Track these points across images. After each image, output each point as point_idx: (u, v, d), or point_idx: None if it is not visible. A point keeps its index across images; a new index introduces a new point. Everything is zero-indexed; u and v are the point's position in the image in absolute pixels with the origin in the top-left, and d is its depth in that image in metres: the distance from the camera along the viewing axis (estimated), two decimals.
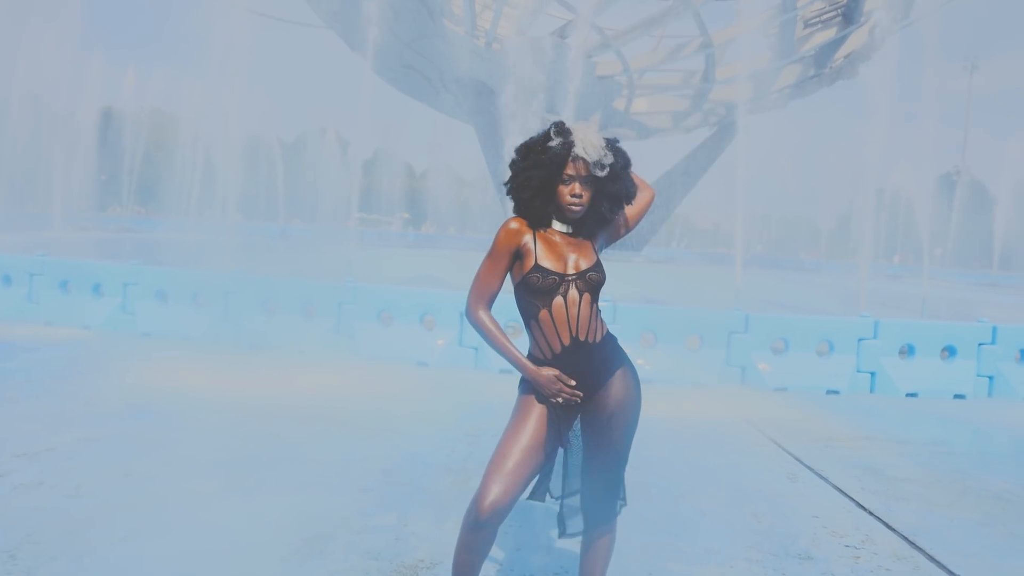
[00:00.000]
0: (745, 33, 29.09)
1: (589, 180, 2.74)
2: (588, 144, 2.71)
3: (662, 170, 32.83)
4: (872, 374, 8.93)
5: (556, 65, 24.11)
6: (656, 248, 39.96)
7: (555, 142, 2.74)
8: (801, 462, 5.65)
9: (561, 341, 2.75)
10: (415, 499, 4.30)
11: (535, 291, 2.74)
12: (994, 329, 9.22)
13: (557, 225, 2.82)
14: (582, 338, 2.75)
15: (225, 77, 19.30)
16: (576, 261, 2.78)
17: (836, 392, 8.75)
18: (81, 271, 10.32)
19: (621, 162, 2.80)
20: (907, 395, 8.81)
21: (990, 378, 9.17)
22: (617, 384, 2.82)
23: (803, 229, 63.14)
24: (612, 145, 2.80)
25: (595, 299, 2.81)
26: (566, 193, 2.74)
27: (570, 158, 2.72)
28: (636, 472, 5.04)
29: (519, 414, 2.80)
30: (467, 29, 26.68)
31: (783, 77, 30.58)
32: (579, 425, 2.87)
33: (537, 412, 2.77)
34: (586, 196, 2.75)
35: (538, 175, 2.74)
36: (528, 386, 2.83)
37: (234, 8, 19.09)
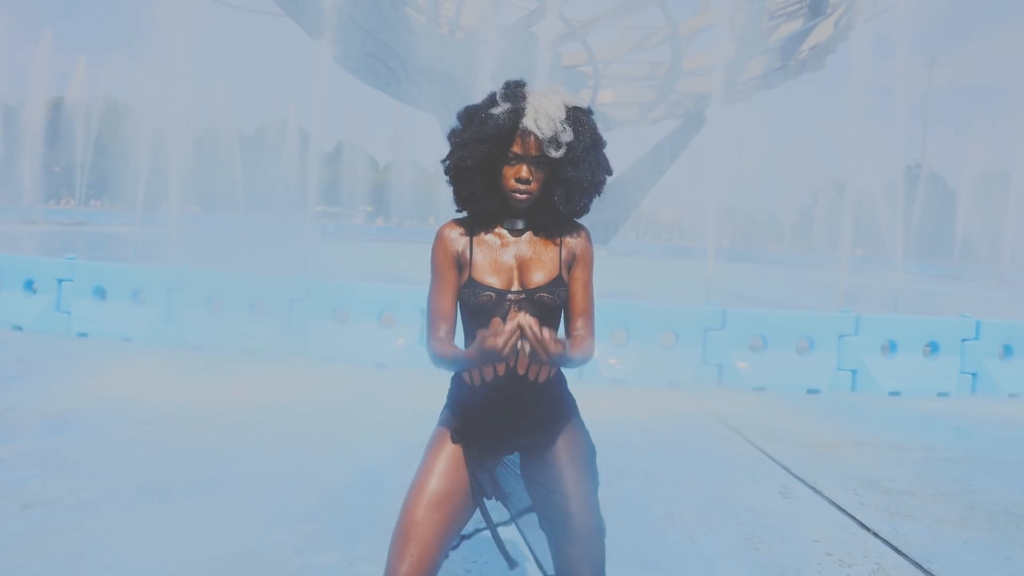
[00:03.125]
0: (712, 23, 28.81)
1: (542, 161, 2.14)
2: (541, 115, 2.11)
3: (628, 162, 32.49)
4: (853, 372, 8.52)
5: (521, 55, 23.58)
6: (621, 241, 39.67)
7: (500, 109, 2.14)
8: (792, 473, 5.18)
9: (495, 369, 2.08)
10: (363, 530, 3.74)
11: (469, 309, 2.19)
12: (977, 324, 8.86)
13: (508, 221, 2.25)
14: (521, 371, 2.07)
15: (181, 67, 18.51)
16: (524, 273, 2.19)
17: (817, 391, 8.33)
18: (11, 266, 9.55)
19: (585, 140, 2.18)
20: (890, 393, 8.43)
21: (973, 375, 8.82)
22: (563, 442, 2.26)
23: (765, 222, 63.37)
24: (577, 117, 2.18)
25: (550, 325, 2.19)
26: (510, 176, 2.15)
27: (518, 132, 2.13)
28: (611, 489, 4.54)
29: (427, 461, 2.22)
30: (430, 17, 26.03)
31: (749, 69, 30.34)
32: (518, 471, 2.31)
33: (449, 457, 2.21)
34: (537, 181, 2.16)
35: (476, 152, 2.15)
36: (444, 422, 2.27)
37: None
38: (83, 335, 8.89)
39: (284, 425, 5.60)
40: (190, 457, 4.68)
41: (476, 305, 2.16)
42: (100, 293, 9.13)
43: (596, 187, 2.23)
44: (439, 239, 2.23)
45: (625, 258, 30.14)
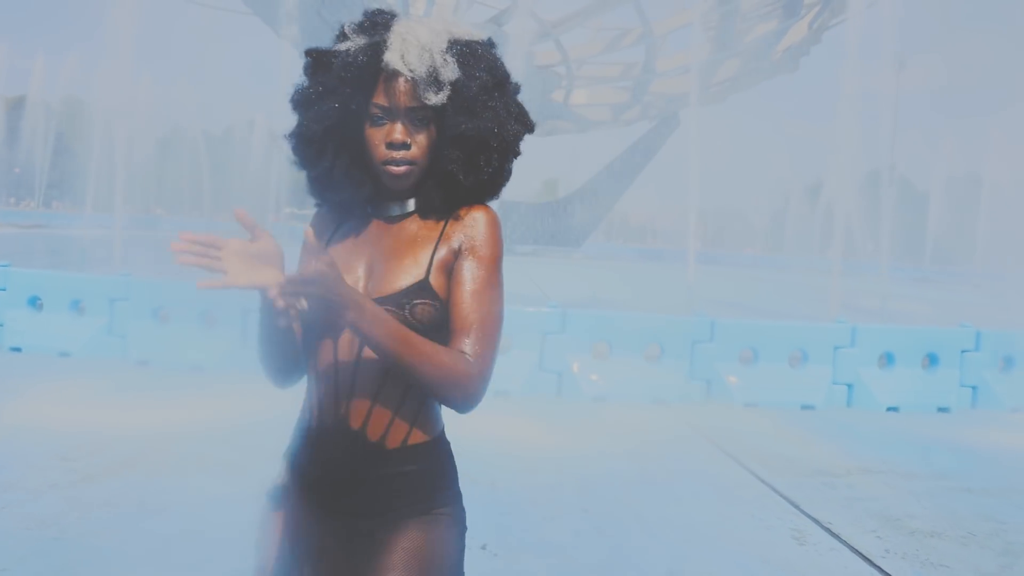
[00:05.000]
0: (686, 24, 28.42)
1: (421, 115, 1.47)
2: (410, 45, 1.43)
3: (601, 164, 32.02)
4: (849, 386, 8.00)
5: None
6: (593, 244, 39.16)
7: (351, 44, 1.48)
8: (801, 511, 4.60)
9: (320, 416, 1.50)
10: None
11: (303, 323, 1.52)
12: (977, 334, 8.38)
13: (383, 205, 1.56)
14: (355, 425, 1.46)
15: (145, 65, 17.79)
16: (377, 277, 1.49)
17: (811, 407, 7.79)
18: None
19: (482, 78, 1.49)
20: (888, 409, 7.91)
21: (973, 388, 8.34)
22: (406, 553, 1.45)
23: (738, 225, 63.33)
24: (469, 49, 1.50)
25: None
26: (378, 142, 1.47)
27: (381, 75, 1.46)
28: (603, 538, 3.94)
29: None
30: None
31: (723, 70, 30.02)
32: None
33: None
34: (419, 145, 1.48)
35: (324, 111, 1.49)
36: (275, 496, 1.59)
37: None
38: (16, 349, 8.12)
39: (229, 458, 4.92)
40: (110, 505, 3.98)
41: (305, 318, 1.39)
42: (35, 304, 8.37)
43: (507, 144, 1.52)
44: (313, 219, 1.62)
45: (599, 261, 29.62)
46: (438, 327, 1.45)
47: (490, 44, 1.56)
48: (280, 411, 6.16)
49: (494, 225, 1.53)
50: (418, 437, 1.50)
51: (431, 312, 1.45)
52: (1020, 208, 40.30)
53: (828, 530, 4.30)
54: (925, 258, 45.57)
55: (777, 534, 4.20)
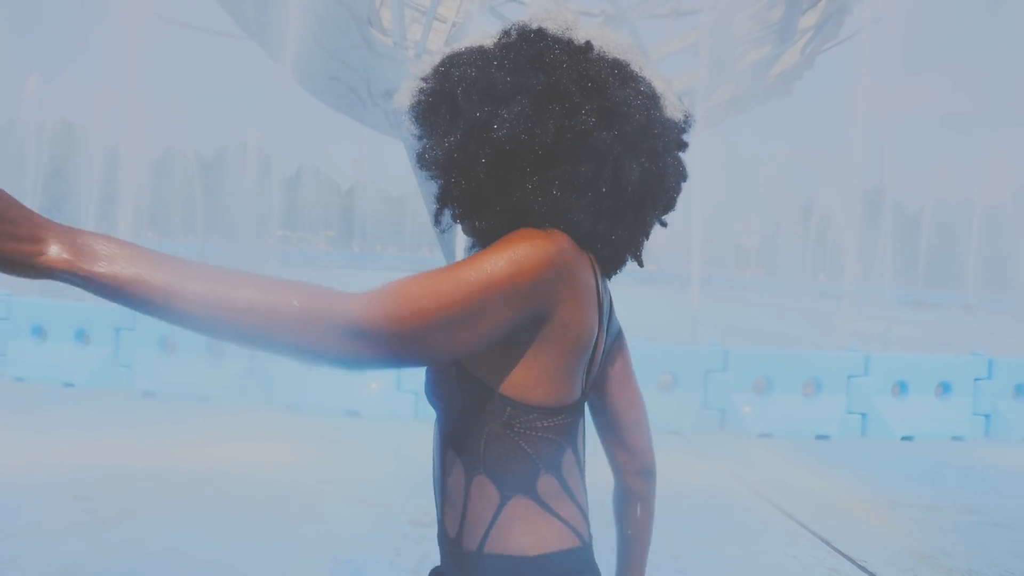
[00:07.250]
0: (682, 48, 28.58)
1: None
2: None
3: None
4: (863, 415, 7.94)
5: None
6: None
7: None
8: (835, 549, 4.51)
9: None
10: None
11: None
12: (990, 362, 8.34)
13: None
14: (448, 530, 1.20)
15: (138, 89, 17.68)
16: None
17: (826, 437, 7.72)
18: None
19: (463, 85, 1.16)
20: (902, 438, 7.85)
21: (986, 416, 8.29)
22: None
23: (730, 247, 63.47)
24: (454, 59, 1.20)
25: (457, 439, 1.19)
26: None
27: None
28: None
29: None
30: (396, 40, 25.42)
31: (718, 94, 30.18)
32: None
33: None
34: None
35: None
36: None
37: (145, 14, 17.45)
38: (20, 379, 7.99)
39: (238, 498, 4.79)
40: (134, 548, 3.86)
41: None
42: (39, 333, 8.24)
43: (475, 159, 1.13)
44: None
45: None
46: (467, 417, 1.14)
47: (522, 36, 1.16)
48: (281, 448, 6.07)
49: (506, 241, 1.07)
50: (497, 546, 1.13)
51: (462, 387, 1.15)
52: (1013, 231, 40.55)
53: (864, 568, 4.21)
54: (917, 281, 45.63)
55: (813, 573, 4.12)
